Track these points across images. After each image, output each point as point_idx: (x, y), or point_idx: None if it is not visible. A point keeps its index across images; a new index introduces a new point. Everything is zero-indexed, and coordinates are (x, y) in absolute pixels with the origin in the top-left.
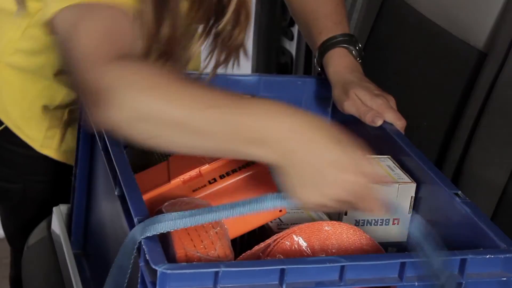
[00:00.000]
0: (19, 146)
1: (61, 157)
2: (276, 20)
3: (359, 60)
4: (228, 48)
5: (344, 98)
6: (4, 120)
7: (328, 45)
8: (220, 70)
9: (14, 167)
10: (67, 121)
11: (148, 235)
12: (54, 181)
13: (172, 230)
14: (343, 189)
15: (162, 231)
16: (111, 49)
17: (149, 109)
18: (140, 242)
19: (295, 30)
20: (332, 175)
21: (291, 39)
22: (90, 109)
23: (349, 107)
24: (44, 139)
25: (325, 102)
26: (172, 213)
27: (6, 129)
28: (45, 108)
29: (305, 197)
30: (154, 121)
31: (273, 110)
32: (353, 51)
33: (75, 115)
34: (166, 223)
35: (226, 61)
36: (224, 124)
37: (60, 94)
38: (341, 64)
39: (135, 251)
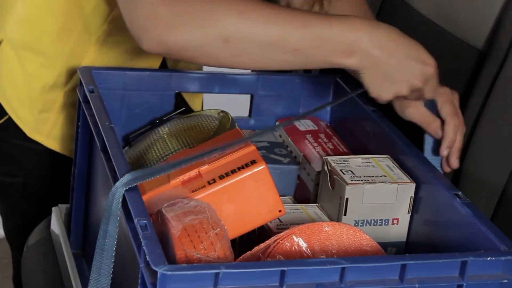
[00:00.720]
0: (20, 139)
1: (51, 144)
2: None
3: None
4: None
5: (406, 104)
6: (0, 100)
7: None
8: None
9: (15, 161)
10: (61, 106)
11: (131, 185)
12: (54, 176)
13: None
14: (419, 76)
15: (142, 181)
16: None
17: (248, 29)
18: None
19: None
20: (411, 66)
21: None
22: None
23: (412, 114)
24: (36, 123)
25: (324, 100)
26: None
27: (7, 122)
28: (42, 89)
29: (387, 92)
30: (248, 41)
31: (358, 24)
32: None
33: (70, 99)
34: (146, 171)
35: None
36: (316, 40)
37: (55, 72)
38: None
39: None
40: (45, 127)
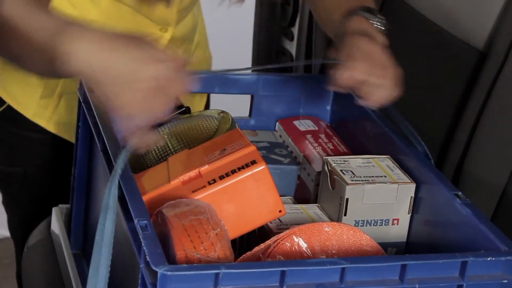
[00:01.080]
0: (19, 128)
1: (53, 128)
2: (276, 20)
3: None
4: None
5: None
6: None
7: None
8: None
9: (14, 150)
10: (60, 92)
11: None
12: (54, 167)
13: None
14: (151, 79)
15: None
16: None
17: None
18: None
19: (295, 30)
20: (137, 70)
21: (291, 39)
22: None
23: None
24: (37, 108)
25: (324, 101)
26: None
27: (6, 111)
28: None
29: (121, 101)
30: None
31: (75, 32)
32: (374, 21)
33: (69, 87)
34: None
35: None
36: (39, 53)
37: None
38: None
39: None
40: (46, 112)
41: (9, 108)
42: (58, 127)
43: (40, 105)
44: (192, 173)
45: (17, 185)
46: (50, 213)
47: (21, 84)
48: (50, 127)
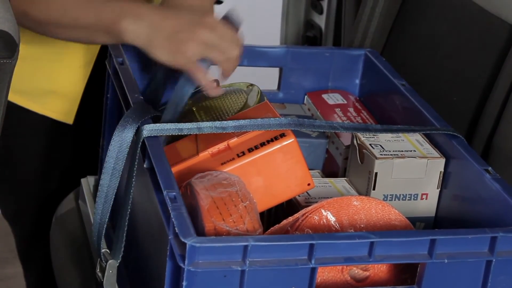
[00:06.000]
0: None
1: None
2: None
3: None
4: None
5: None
6: None
7: None
8: (247, 42)
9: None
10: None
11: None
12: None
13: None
14: (202, 26)
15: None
16: None
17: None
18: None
19: (324, 3)
20: (188, 32)
21: (321, 12)
22: None
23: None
24: None
25: (353, 74)
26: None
27: None
28: None
29: (172, 56)
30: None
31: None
32: None
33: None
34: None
35: None
36: (90, 19)
37: None
38: None
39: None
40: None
41: None
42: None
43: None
44: (221, 146)
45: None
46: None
47: None
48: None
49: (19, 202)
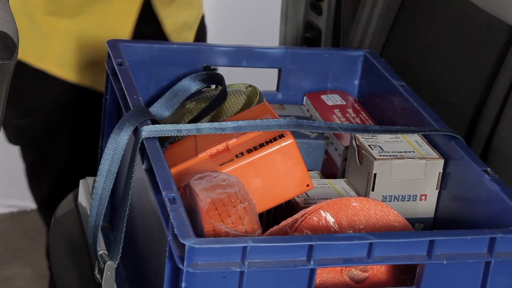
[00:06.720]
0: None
1: (57, 70)
2: None
3: None
4: None
5: None
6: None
7: None
8: (246, 43)
9: (30, 99)
10: (63, 33)
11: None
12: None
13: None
14: None
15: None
16: None
17: None
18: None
19: (324, 4)
20: None
21: (320, 14)
22: None
23: None
24: (41, 50)
25: (352, 75)
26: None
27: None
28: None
29: None
30: None
31: None
32: None
33: (71, 27)
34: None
35: None
36: None
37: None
38: None
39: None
40: (51, 54)
41: None
42: (66, 70)
43: (42, 47)
44: (220, 147)
45: (35, 135)
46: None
47: (22, 24)
48: (56, 70)
49: None
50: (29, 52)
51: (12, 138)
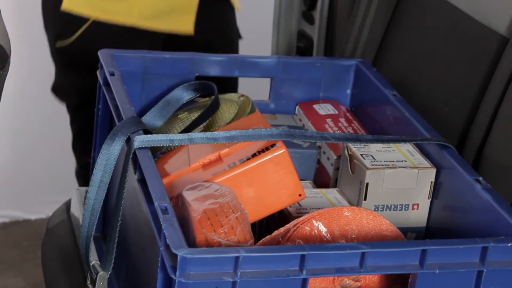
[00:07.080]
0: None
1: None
2: (296, 4)
3: None
4: None
5: None
6: None
7: None
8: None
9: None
10: None
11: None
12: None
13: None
14: None
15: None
16: None
17: None
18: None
19: (316, 14)
20: None
21: (312, 23)
22: None
23: None
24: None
25: (344, 84)
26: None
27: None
28: None
29: None
30: None
31: None
32: None
33: None
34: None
35: None
36: None
37: None
38: None
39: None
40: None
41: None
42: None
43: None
44: (212, 156)
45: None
46: None
47: None
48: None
49: None
50: (119, 12)
51: (73, 97)
